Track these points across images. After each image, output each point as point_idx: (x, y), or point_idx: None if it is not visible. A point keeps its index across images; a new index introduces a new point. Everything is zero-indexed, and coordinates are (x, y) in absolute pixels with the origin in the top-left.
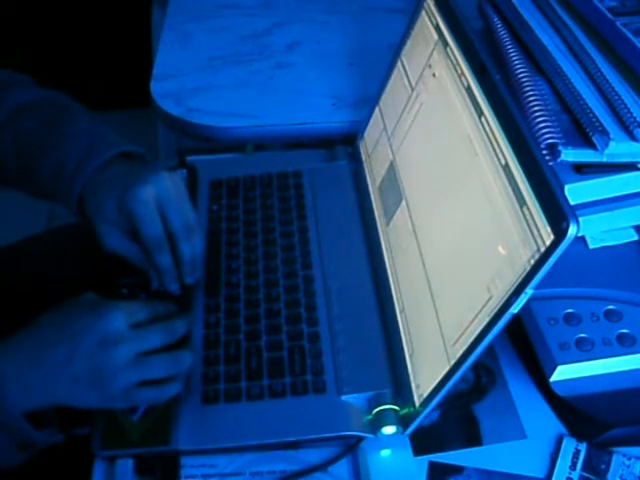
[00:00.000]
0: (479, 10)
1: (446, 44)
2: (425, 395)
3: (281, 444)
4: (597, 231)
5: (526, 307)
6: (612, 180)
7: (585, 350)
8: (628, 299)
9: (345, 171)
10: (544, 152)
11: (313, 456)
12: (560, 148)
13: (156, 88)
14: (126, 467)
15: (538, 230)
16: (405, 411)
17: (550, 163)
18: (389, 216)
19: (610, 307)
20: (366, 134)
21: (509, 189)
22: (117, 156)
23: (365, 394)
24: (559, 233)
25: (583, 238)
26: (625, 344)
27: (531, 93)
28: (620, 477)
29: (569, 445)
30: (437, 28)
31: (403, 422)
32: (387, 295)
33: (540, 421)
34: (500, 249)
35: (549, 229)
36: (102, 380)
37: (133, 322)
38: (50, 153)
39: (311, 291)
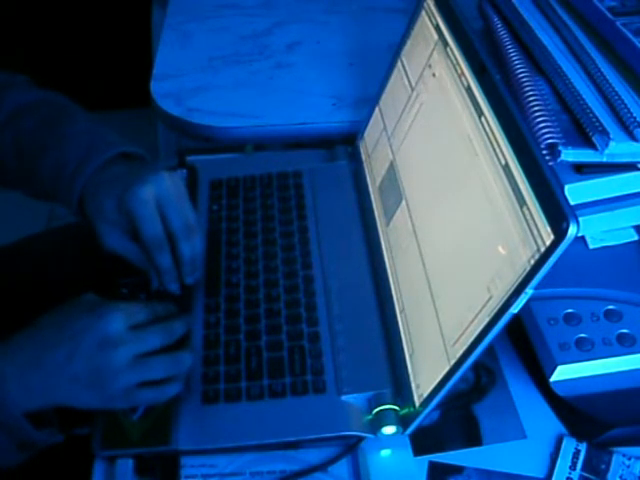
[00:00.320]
0: (479, 10)
1: (446, 44)
2: (425, 395)
3: (281, 444)
4: (597, 231)
5: (526, 307)
6: (612, 180)
7: (585, 350)
8: (628, 299)
9: (345, 171)
10: (544, 152)
11: (313, 456)
12: (560, 148)
13: (156, 88)
14: (126, 467)
15: (538, 230)
16: (405, 411)
17: (550, 163)
18: (389, 216)
19: (610, 307)
20: (366, 134)
21: (509, 189)
22: (117, 156)
23: (365, 394)
24: (559, 233)
25: (583, 238)
26: (625, 344)
27: (531, 93)
28: (620, 477)
29: (569, 445)
30: (437, 28)
31: (403, 422)
32: (387, 295)
33: (540, 421)
34: (500, 249)
35: (549, 229)
36: (102, 381)
37: (133, 323)
38: (50, 154)
39: (311, 291)
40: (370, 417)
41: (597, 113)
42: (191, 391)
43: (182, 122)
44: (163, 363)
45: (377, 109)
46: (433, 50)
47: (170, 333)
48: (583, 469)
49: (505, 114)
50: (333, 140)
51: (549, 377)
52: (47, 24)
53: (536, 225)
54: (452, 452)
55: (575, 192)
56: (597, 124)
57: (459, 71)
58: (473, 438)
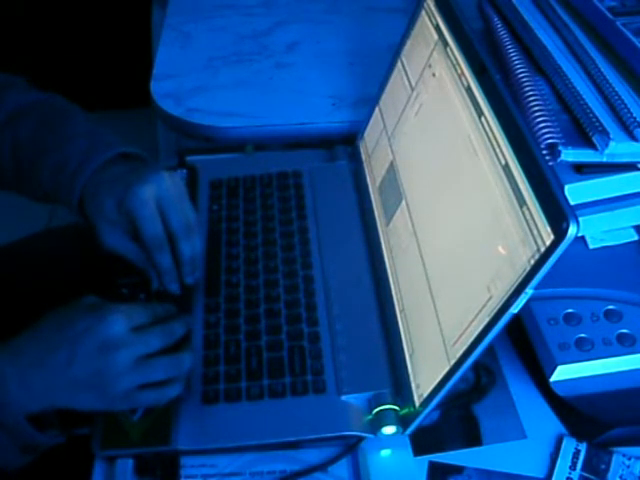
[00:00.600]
0: (479, 10)
1: (446, 44)
2: (425, 395)
3: (281, 444)
4: (597, 231)
5: (526, 307)
6: (612, 180)
7: (585, 350)
8: (628, 299)
9: (345, 171)
10: (544, 152)
11: (313, 456)
12: (560, 148)
13: (156, 88)
14: (126, 467)
15: (538, 230)
16: (405, 411)
17: (550, 163)
18: (389, 216)
19: (610, 307)
20: (366, 134)
21: (509, 189)
22: (116, 157)
23: (365, 394)
24: (559, 233)
25: (583, 238)
26: (625, 344)
27: (531, 93)
28: (620, 477)
29: (569, 445)
30: (437, 28)
31: (403, 422)
32: (387, 295)
33: (540, 421)
34: (500, 249)
35: (549, 229)
36: (103, 383)
37: (133, 325)
38: (49, 155)
39: (311, 291)
40: (370, 417)
41: (597, 113)
42: (191, 391)
43: (182, 122)
44: (164, 365)
45: (377, 109)
46: (433, 50)
47: (170, 334)
48: (583, 469)
49: (505, 114)
50: (333, 140)
51: (549, 377)
52: (47, 24)
53: (536, 225)
54: (452, 452)
55: (575, 192)
56: (597, 124)
57: (459, 71)
58: (473, 438)
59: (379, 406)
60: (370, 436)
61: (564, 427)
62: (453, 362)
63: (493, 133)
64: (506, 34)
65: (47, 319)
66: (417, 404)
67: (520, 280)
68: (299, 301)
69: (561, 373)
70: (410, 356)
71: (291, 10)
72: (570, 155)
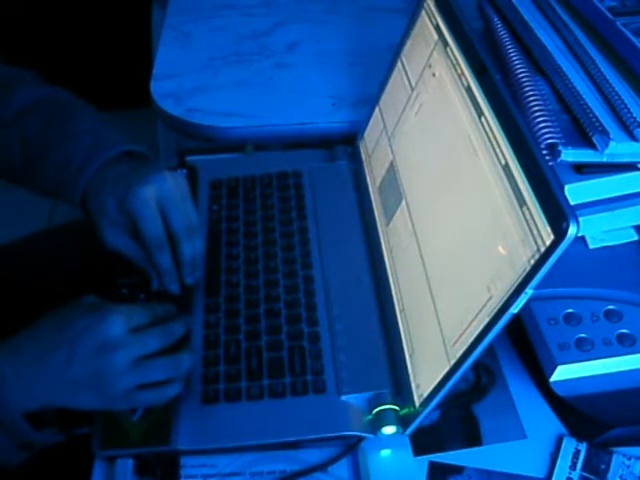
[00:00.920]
0: (479, 10)
1: (446, 44)
2: (425, 395)
3: (281, 444)
4: (597, 231)
5: (526, 307)
6: (612, 180)
7: (585, 350)
8: (628, 299)
9: (345, 171)
10: (544, 152)
11: (313, 456)
12: (560, 148)
13: (156, 88)
14: (126, 467)
15: (538, 230)
16: (405, 411)
17: (550, 163)
18: (389, 216)
19: (610, 307)
20: (366, 134)
21: (509, 189)
22: (121, 155)
23: (365, 394)
24: (559, 233)
25: (583, 238)
26: (625, 344)
27: (531, 93)
28: (620, 477)
29: (569, 445)
30: (437, 28)
31: (403, 422)
32: (387, 295)
33: (540, 421)
34: (500, 249)
35: (549, 229)
36: (102, 383)
37: (133, 326)
38: (54, 152)
39: (311, 291)
40: (370, 417)
41: (597, 113)
42: (191, 391)
43: (182, 122)
44: (163, 365)
45: (377, 109)
46: (433, 50)
47: (169, 335)
48: (583, 469)
49: (505, 114)
50: (333, 140)
51: (549, 377)
52: (47, 24)
53: (536, 225)
54: (452, 452)
55: (575, 192)
56: (597, 124)
57: (459, 71)
58: (473, 438)
59: (379, 406)
60: (370, 436)
61: (564, 427)
62: (453, 362)
63: (493, 133)
64: (506, 34)
65: (47, 318)
66: (417, 404)
67: (520, 280)
68: (299, 301)
69: (561, 373)
70: (410, 356)
71: (291, 10)
72: (570, 155)
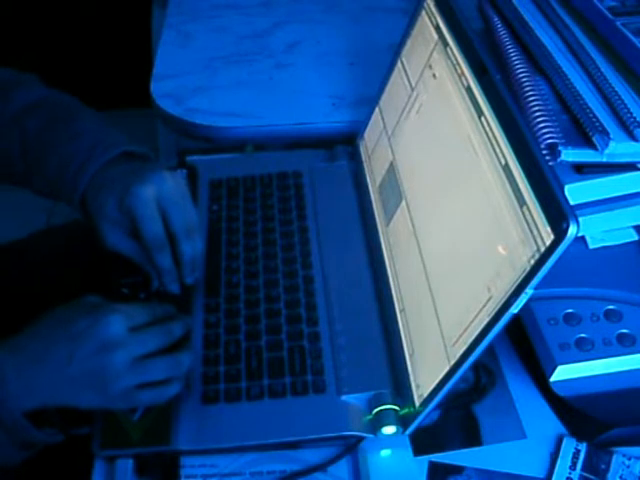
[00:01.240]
0: (479, 10)
1: (446, 44)
2: (425, 395)
3: (281, 444)
4: (597, 231)
5: (526, 307)
6: (612, 180)
7: (585, 350)
8: (628, 299)
9: (345, 171)
10: (544, 152)
11: (313, 456)
12: (560, 148)
13: (156, 88)
14: (126, 467)
15: (538, 230)
16: (405, 411)
17: (550, 163)
18: (389, 216)
19: (610, 307)
20: (366, 134)
21: (509, 189)
22: (121, 155)
23: (365, 394)
24: (559, 233)
25: (583, 238)
26: (625, 344)
27: (531, 93)
28: (620, 477)
29: (569, 445)
30: (437, 28)
31: (403, 422)
32: (387, 295)
33: (540, 421)
34: (500, 249)
35: (549, 229)
36: (102, 383)
37: (132, 325)
38: (54, 152)
39: (311, 291)
40: (370, 417)
41: (597, 113)
42: (191, 391)
43: (182, 122)
44: (162, 365)
45: (377, 109)
46: (433, 50)
47: (169, 334)
48: (583, 469)
49: (505, 114)
50: (333, 140)
51: (549, 377)
52: (47, 24)
53: (536, 225)
54: (452, 452)
55: (575, 192)
56: (597, 124)
57: (459, 71)
58: (473, 438)
59: (379, 406)
60: (370, 436)
61: (564, 427)
62: (453, 362)
63: (493, 133)
64: (506, 34)
65: (47, 317)
66: (417, 404)
67: (520, 280)
68: (299, 301)
69: (561, 373)
70: (410, 356)
71: (291, 10)
72: (570, 155)
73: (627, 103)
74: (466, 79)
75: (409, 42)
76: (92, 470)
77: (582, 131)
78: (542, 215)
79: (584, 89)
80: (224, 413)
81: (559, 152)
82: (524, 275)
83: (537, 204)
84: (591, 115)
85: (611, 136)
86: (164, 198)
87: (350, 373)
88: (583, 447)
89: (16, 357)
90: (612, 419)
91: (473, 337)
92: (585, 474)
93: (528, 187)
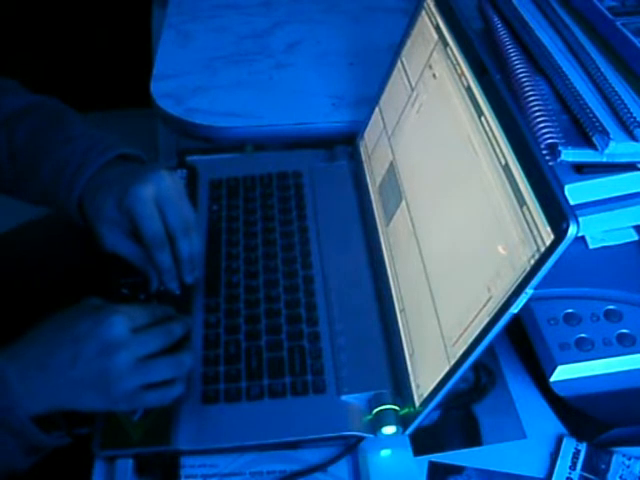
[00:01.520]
0: (479, 10)
1: (446, 44)
2: (425, 395)
3: (281, 444)
4: (597, 231)
5: (526, 307)
6: (612, 180)
7: (585, 350)
8: (628, 299)
9: (345, 171)
10: (544, 152)
11: (313, 456)
12: (560, 148)
13: (156, 88)
14: (126, 467)
15: (538, 230)
16: (405, 411)
17: (550, 163)
18: (389, 216)
19: (610, 307)
20: (366, 134)
21: (509, 189)
22: (115, 158)
23: (365, 394)
24: (559, 233)
25: (583, 238)
26: (625, 344)
27: (531, 93)
28: (620, 477)
29: (569, 445)
30: (437, 28)
31: (403, 422)
32: (387, 295)
33: (540, 421)
34: (500, 249)
35: (549, 229)
36: (106, 385)
37: (134, 327)
38: (47, 158)
39: (311, 291)
40: (370, 417)
41: (597, 113)
42: (191, 391)
43: (182, 122)
44: (165, 365)
45: (377, 109)
46: (433, 50)
47: (170, 335)
48: (583, 469)
49: (505, 114)
50: (333, 140)
51: (549, 377)
52: (47, 24)
53: (536, 225)
54: (452, 452)
55: (575, 192)
56: (597, 124)
57: (459, 71)
58: (473, 438)
59: (379, 406)
60: (370, 436)
61: (564, 427)
62: (453, 362)
63: (493, 133)
64: (506, 34)
65: (49, 321)
66: (417, 404)
67: (520, 280)
68: (299, 301)
69: (561, 373)
70: (410, 356)
71: (291, 10)
72: (570, 155)
73: (627, 103)
74: (466, 79)
75: (409, 42)
76: (92, 470)
77: (582, 131)
78: (542, 215)
79: (584, 89)
80: (224, 413)
81: (559, 152)
82: (524, 275)
83: (537, 204)
84: (591, 115)
85: (611, 136)
86: (162, 197)
87: (350, 373)
88: (583, 447)
89: (19, 363)
90: (612, 419)
91: (473, 337)
92: (585, 474)
93: (528, 187)
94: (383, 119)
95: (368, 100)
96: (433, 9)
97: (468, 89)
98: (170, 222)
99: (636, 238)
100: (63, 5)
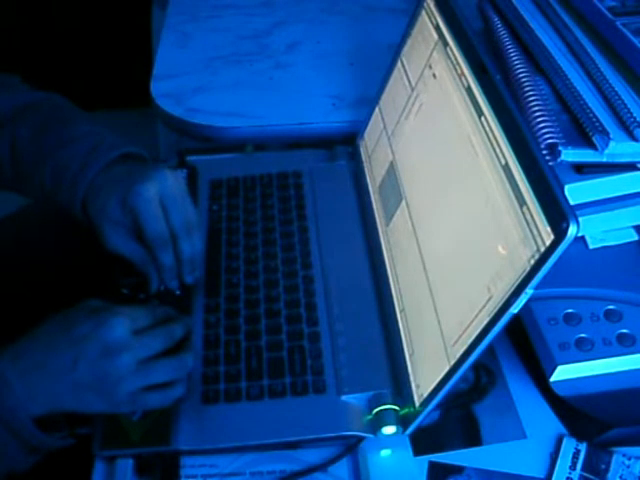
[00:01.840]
0: (479, 10)
1: (446, 44)
2: (425, 395)
3: (281, 444)
4: (597, 231)
5: (526, 307)
6: (612, 180)
7: (585, 350)
8: (628, 299)
9: (345, 171)
10: (544, 152)
11: (313, 456)
12: (560, 148)
13: (156, 88)
14: (126, 467)
15: (538, 230)
16: (405, 411)
17: (550, 163)
18: (389, 216)
19: (610, 307)
20: (366, 134)
21: (509, 189)
22: (119, 157)
23: (365, 394)
24: (559, 233)
25: (583, 238)
26: (625, 344)
27: (531, 93)
28: (620, 477)
29: (569, 445)
30: (437, 28)
31: (403, 422)
32: (387, 295)
33: (540, 421)
34: (500, 249)
35: (549, 229)
36: (107, 387)
37: (135, 328)
38: (51, 156)
39: (311, 291)
40: (370, 417)
41: (597, 113)
42: (191, 391)
43: (182, 122)
44: (166, 367)
45: (377, 109)
46: (433, 50)
47: (171, 336)
48: (583, 469)
49: (505, 114)
50: (333, 140)
51: (549, 377)
52: (47, 24)
53: (536, 225)
54: (452, 452)
55: (575, 192)
56: (597, 124)
57: (459, 71)
58: (473, 438)
59: (379, 406)
60: (370, 436)
61: (564, 427)
62: (453, 362)
63: (493, 133)
64: (506, 34)
65: (49, 322)
66: (417, 404)
67: (520, 280)
68: (299, 301)
69: (561, 373)
70: (410, 356)
71: (291, 10)
72: (570, 155)
73: (627, 103)
74: (466, 79)
75: (409, 42)
76: (92, 470)
77: (582, 131)
78: (542, 215)
79: (584, 89)
80: (224, 413)
81: (559, 152)
82: (524, 275)
83: (537, 204)
84: (591, 115)
85: (611, 136)
86: (165, 196)
87: (350, 373)
88: (583, 447)
89: (19, 364)
90: (612, 419)
91: (473, 337)
92: (585, 474)
93: (528, 187)
94: (383, 119)
95: (368, 100)
96: (433, 9)
97: (468, 89)
98: (173, 222)
99: (636, 238)
100: (63, 5)
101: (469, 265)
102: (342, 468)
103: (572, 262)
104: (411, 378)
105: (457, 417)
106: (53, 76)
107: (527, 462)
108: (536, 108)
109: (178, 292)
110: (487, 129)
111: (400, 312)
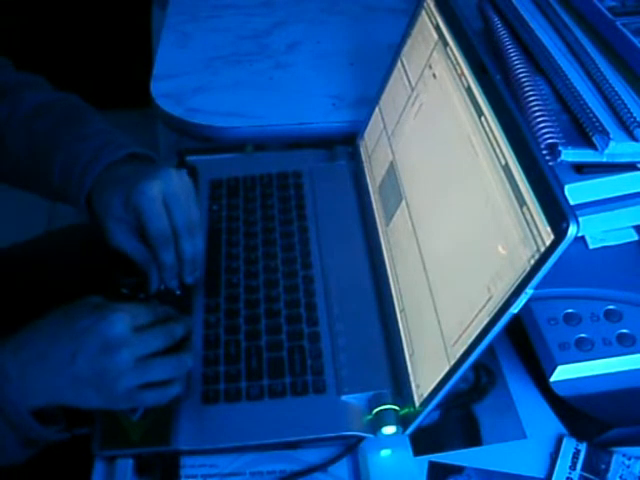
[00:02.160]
0: (479, 10)
1: (446, 44)
2: (425, 395)
3: (281, 444)
4: (597, 231)
5: (526, 307)
6: (612, 180)
7: (585, 350)
8: (628, 299)
9: (345, 171)
10: (544, 152)
11: (313, 456)
12: (560, 148)
13: (156, 88)
14: (126, 467)
15: (538, 230)
16: (405, 411)
17: (550, 163)
18: (389, 216)
19: (610, 307)
20: (366, 134)
21: (509, 189)
22: (126, 157)
23: (365, 394)
24: (559, 233)
25: (583, 238)
26: (625, 344)
27: (531, 93)
28: (620, 477)
29: (569, 445)
30: (437, 28)
31: (403, 422)
32: (387, 295)
33: (540, 421)
34: (500, 249)
35: (549, 229)
36: (105, 382)
37: (135, 325)
38: (61, 154)
39: (311, 291)
40: (370, 417)
41: (597, 113)
42: (191, 391)
43: (182, 122)
44: (165, 365)
45: (377, 109)
46: (433, 50)
47: (171, 335)
48: (583, 469)
49: (505, 114)
50: (333, 140)
51: (549, 377)
52: (47, 24)
53: (536, 225)
54: (452, 452)
55: (575, 192)
56: (597, 124)
57: (459, 71)
58: (473, 438)
59: (379, 406)
60: (370, 436)
61: (564, 427)
62: (453, 362)
63: (493, 133)
64: (506, 34)
65: (50, 316)
66: (417, 404)
67: (520, 280)
68: (299, 301)
69: (561, 373)
70: (410, 356)
71: (291, 10)
72: (570, 155)
73: (627, 103)
74: (466, 79)
75: (409, 42)
76: (92, 470)
77: (582, 131)
78: (542, 215)
79: (584, 89)
80: (224, 413)
81: (559, 152)
82: (524, 275)
83: (537, 204)
84: (591, 115)
85: (611, 136)
86: (169, 195)
87: (350, 373)
88: (583, 447)
89: (19, 355)
90: (612, 419)
91: (473, 337)
92: (585, 474)
93: (528, 187)
94: (383, 119)
95: (368, 100)
96: (433, 9)
97: (468, 89)
98: (176, 221)
99: (636, 238)
100: (63, 5)
101: (469, 265)
102: (342, 468)
103: (572, 262)
104: (411, 378)
105: (457, 417)
106: (53, 76)
107: (527, 462)
108: (536, 108)
109: (178, 292)
110: (487, 129)
111: (400, 312)
